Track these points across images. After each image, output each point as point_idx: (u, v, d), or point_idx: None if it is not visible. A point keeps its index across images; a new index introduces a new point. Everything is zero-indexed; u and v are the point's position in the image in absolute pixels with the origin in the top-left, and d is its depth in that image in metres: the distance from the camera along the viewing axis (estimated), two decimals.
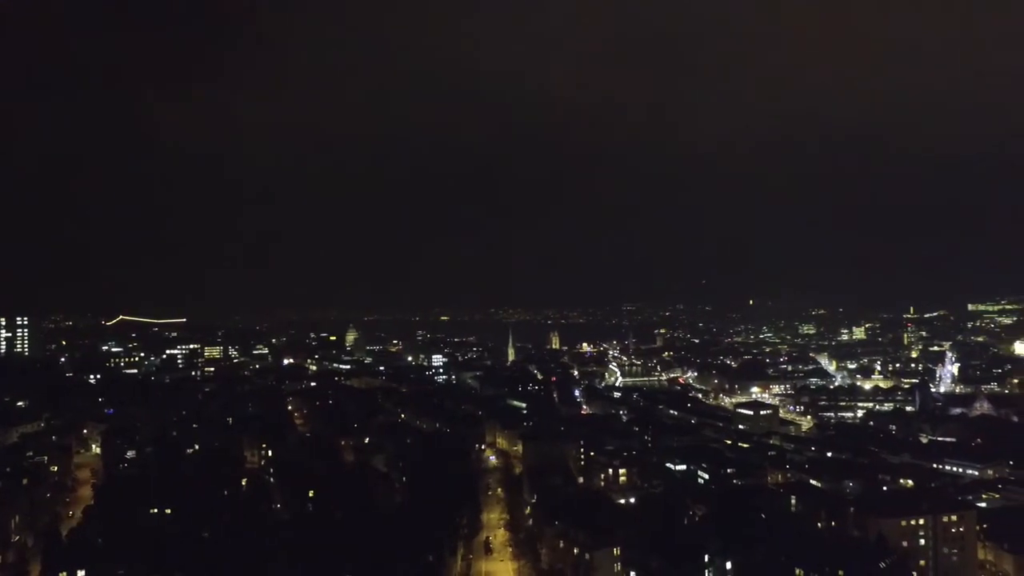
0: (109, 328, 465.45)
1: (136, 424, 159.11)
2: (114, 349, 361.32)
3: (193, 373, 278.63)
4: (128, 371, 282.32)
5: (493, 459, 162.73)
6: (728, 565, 79.59)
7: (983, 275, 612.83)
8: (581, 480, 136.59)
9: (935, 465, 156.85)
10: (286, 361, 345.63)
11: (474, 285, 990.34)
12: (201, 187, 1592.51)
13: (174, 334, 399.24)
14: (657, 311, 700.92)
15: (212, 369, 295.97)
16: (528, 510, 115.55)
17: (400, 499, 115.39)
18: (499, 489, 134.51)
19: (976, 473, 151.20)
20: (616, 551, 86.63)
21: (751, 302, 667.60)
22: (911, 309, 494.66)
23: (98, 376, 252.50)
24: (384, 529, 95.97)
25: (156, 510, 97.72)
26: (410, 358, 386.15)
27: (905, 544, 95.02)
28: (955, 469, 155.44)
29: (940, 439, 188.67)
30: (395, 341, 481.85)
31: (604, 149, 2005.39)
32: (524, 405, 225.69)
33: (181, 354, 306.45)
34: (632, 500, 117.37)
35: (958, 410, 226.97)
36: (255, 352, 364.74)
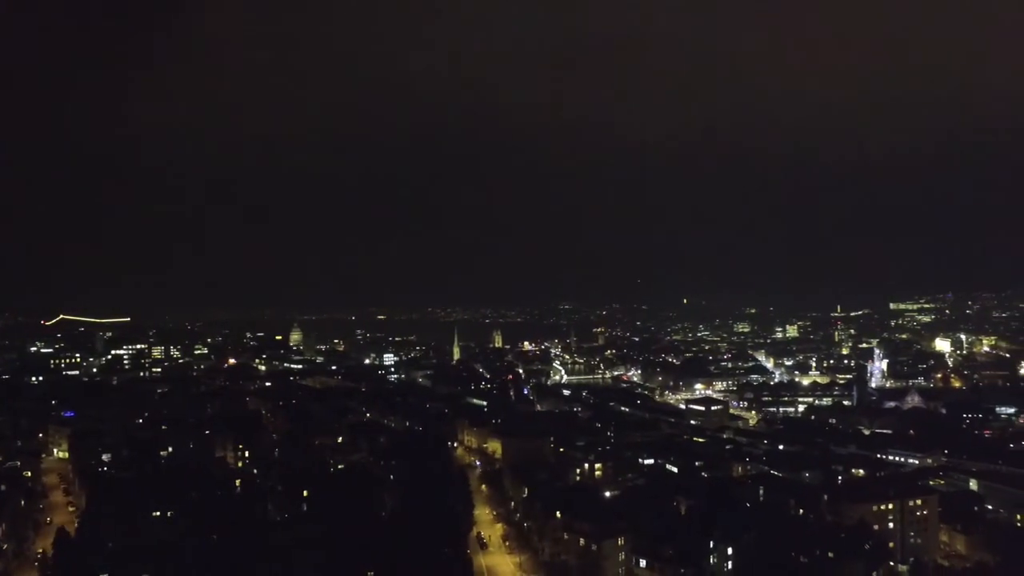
0: (47, 328, 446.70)
1: (101, 427, 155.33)
2: (44, 350, 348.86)
3: (141, 374, 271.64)
4: (69, 372, 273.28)
5: (469, 456, 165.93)
6: (729, 551, 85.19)
7: (901, 276, 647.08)
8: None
9: (879, 455, 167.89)
10: (231, 361, 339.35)
11: (409, 284, 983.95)
12: (130, 186, 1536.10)
13: (109, 334, 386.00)
14: (594, 310, 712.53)
15: (159, 370, 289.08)
16: (518, 505, 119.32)
17: (393, 497, 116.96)
18: (482, 485, 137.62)
19: (916, 462, 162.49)
20: (620, 541, 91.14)
21: (685, 301, 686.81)
22: (838, 308, 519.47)
23: (40, 378, 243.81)
24: (388, 527, 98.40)
25: (158, 513, 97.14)
26: (359, 357, 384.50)
27: (876, 527, 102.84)
28: (898, 458, 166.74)
29: (879, 431, 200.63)
30: (336, 340, 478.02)
31: (539, 148, 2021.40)
32: (485, 403, 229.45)
33: (127, 354, 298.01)
34: (615, 493, 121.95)
35: (892, 404, 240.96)
36: (196, 352, 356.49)
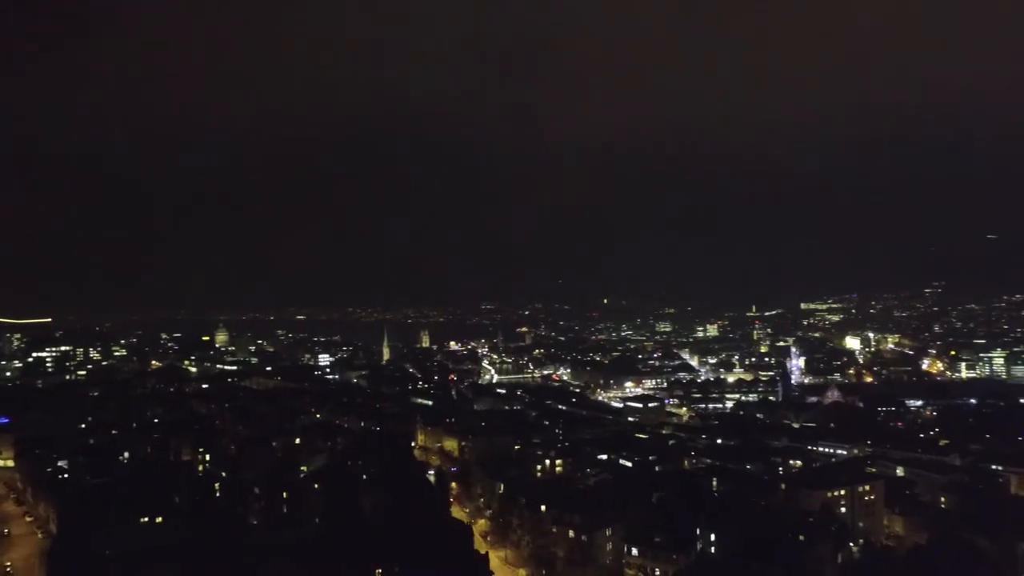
0: None
1: (47, 433, 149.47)
2: None
3: (67, 377, 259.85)
4: None
5: (426, 456, 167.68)
6: (712, 537, 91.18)
7: (808, 277, 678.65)
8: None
9: (809, 447, 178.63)
10: (154, 363, 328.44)
11: (328, 284, 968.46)
12: (33, 183, 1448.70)
13: (18, 335, 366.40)
14: (516, 310, 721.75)
15: (83, 373, 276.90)
16: (493, 500, 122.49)
17: (371, 497, 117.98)
18: (452, 484, 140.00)
19: (845, 452, 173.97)
20: (608, 532, 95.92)
21: (605, 301, 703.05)
22: (753, 308, 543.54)
23: None
24: (377, 526, 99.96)
25: (146, 519, 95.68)
26: (292, 358, 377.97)
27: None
28: (827, 449, 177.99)
29: (806, 424, 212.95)
30: (260, 341, 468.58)
31: (457, 149, 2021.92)
32: (431, 403, 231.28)
33: (51, 357, 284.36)
34: (588, 487, 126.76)
35: (814, 398, 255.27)
36: (116, 354, 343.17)
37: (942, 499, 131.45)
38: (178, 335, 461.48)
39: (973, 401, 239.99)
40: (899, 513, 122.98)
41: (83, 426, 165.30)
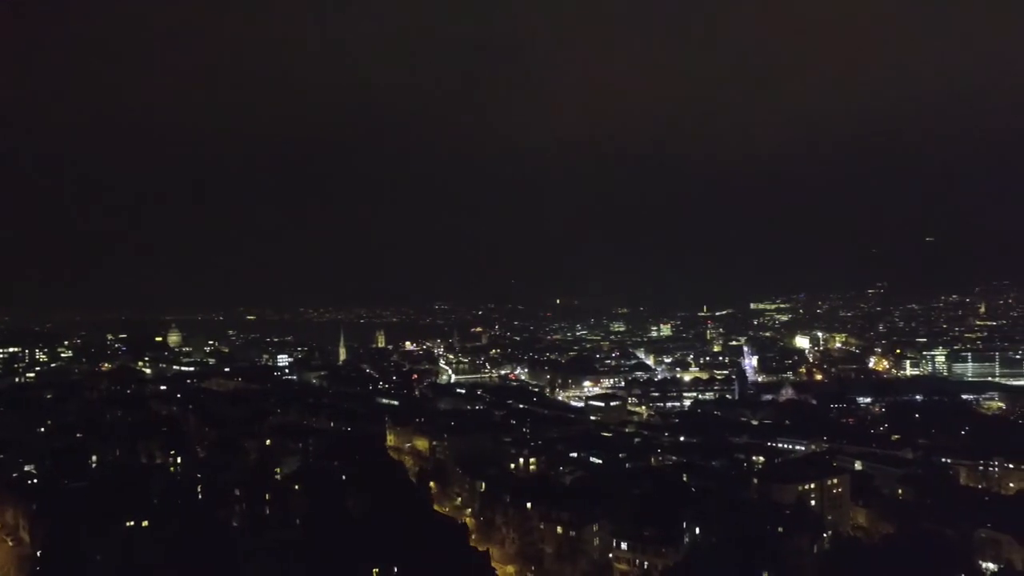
0: None
1: (9, 436, 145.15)
2: None
3: (16, 379, 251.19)
4: None
5: (397, 455, 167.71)
6: (697, 530, 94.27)
7: (755, 278, 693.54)
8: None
9: (769, 443, 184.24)
10: (105, 365, 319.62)
11: (276, 284, 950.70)
12: None
13: None
14: (470, 310, 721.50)
15: (32, 375, 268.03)
16: (472, 498, 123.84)
17: (352, 498, 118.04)
18: (430, 483, 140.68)
19: (803, 448, 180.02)
20: (595, 527, 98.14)
21: (559, 301, 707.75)
22: (704, 308, 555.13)
23: None
24: (368, 527, 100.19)
25: (132, 522, 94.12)
26: (249, 358, 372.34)
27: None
28: (786, 445, 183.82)
29: (763, 422, 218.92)
30: (211, 341, 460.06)
31: (408, 149, 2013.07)
32: (396, 403, 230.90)
33: None
34: (567, 484, 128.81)
35: (768, 396, 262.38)
36: (63, 356, 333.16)
37: (899, 491, 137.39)
38: (124, 336, 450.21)
39: (918, 397, 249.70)
40: (862, 505, 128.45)
41: (42, 429, 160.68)
